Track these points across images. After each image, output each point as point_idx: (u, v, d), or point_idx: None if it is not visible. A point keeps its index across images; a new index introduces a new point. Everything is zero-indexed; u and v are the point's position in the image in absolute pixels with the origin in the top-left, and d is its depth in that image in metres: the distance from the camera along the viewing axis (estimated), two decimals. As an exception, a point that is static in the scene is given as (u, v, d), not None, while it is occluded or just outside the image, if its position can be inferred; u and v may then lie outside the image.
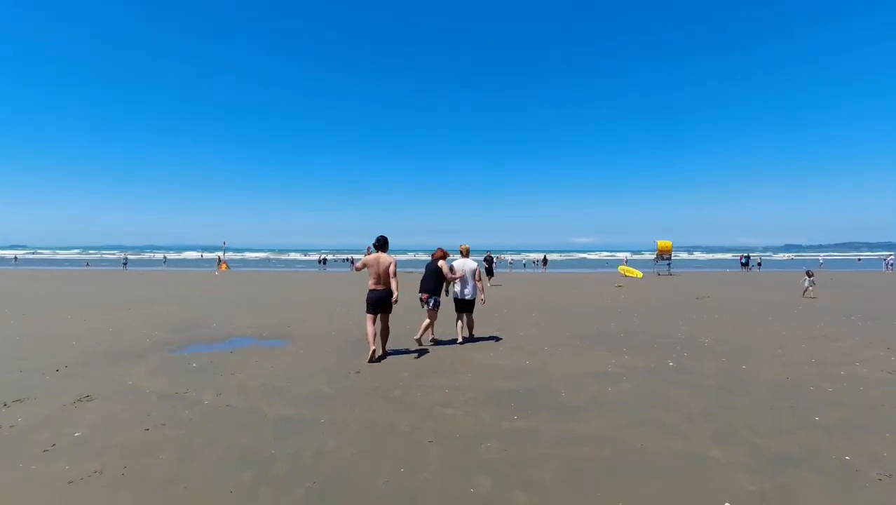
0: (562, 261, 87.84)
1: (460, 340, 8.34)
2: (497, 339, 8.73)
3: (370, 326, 6.99)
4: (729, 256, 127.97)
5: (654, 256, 36.17)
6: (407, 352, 7.72)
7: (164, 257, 77.18)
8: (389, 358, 7.28)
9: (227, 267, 44.55)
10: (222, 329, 9.70)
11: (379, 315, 7.10)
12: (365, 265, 7.04)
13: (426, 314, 8.24)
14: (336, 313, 12.12)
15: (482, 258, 23.86)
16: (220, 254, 49.82)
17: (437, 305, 8.16)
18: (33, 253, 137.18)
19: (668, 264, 35.20)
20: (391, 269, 7.00)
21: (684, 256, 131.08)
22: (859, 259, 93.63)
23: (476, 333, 8.94)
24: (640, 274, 31.36)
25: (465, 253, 8.70)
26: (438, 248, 8.38)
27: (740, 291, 19.41)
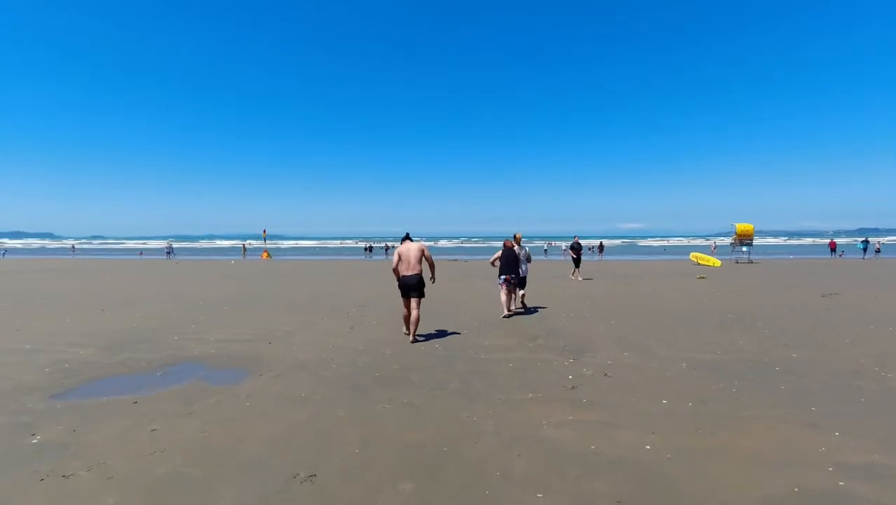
0: (616, 247, 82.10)
1: (513, 308, 9.87)
2: (574, 378, 5.46)
3: (405, 308, 7.48)
4: (805, 241, 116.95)
5: (731, 241, 31.38)
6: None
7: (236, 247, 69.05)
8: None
9: (269, 255, 44.61)
10: (179, 345, 6.99)
11: (412, 298, 7.33)
12: (399, 257, 7.37)
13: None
14: (346, 319, 9.22)
15: (568, 245, 19.97)
16: (245, 243, 51.20)
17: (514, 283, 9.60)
18: (102, 242, 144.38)
19: (748, 251, 30.41)
20: (424, 253, 7.43)
21: (702, 241, 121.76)
22: None
23: (540, 356, 5.80)
24: (718, 262, 26.93)
25: (518, 241, 10.07)
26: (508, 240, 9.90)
27: (871, 286, 15.04)
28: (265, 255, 44.45)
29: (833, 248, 39.79)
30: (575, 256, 17.97)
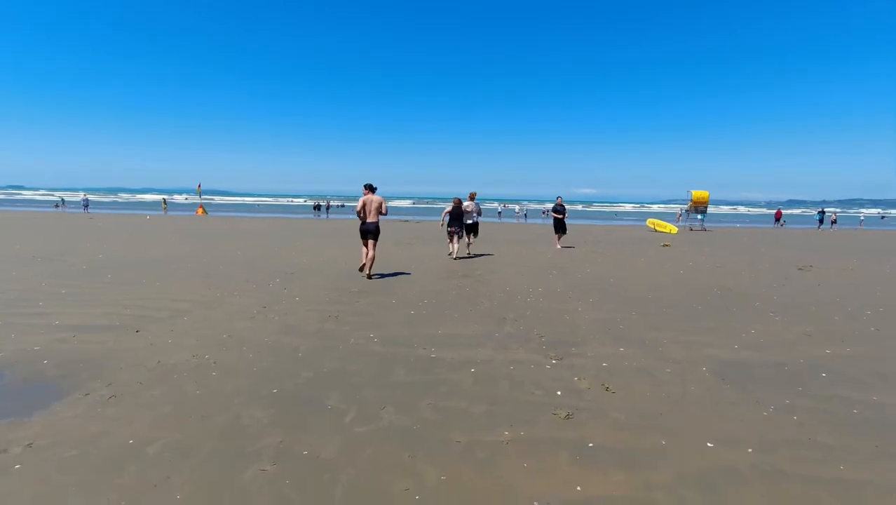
0: (575, 211, 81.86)
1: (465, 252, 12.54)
2: (566, 396, 3.80)
3: (364, 250, 8.75)
4: (740, 209, 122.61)
5: (686, 208, 31.04)
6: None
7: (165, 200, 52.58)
8: None
9: (205, 211, 41.77)
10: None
11: (370, 241, 8.63)
12: (364, 205, 8.58)
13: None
14: (264, 292, 7.19)
15: (548, 208, 16.88)
16: (165, 197, 47.83)
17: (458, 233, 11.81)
18: (13, 193, 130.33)
19: (703, 218, 30.21)
20: (382, 207, 8.66)
21: (657, 207, 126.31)
22: (882, 216, 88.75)
23: (512, 355, 4.07)
24: (674, 229, 26.44)
25: (472, 197, 12.55)
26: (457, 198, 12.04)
27: (846, 258, 14.44)
28: (200, 210, 41.62)
29: (778, 217, 40.87)
30: (560, 218, 15.23)
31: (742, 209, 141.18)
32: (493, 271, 10.01)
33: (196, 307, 6.27)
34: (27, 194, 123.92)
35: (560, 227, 15.36)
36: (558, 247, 15.31)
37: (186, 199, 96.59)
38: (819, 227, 36.15)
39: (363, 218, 8.60)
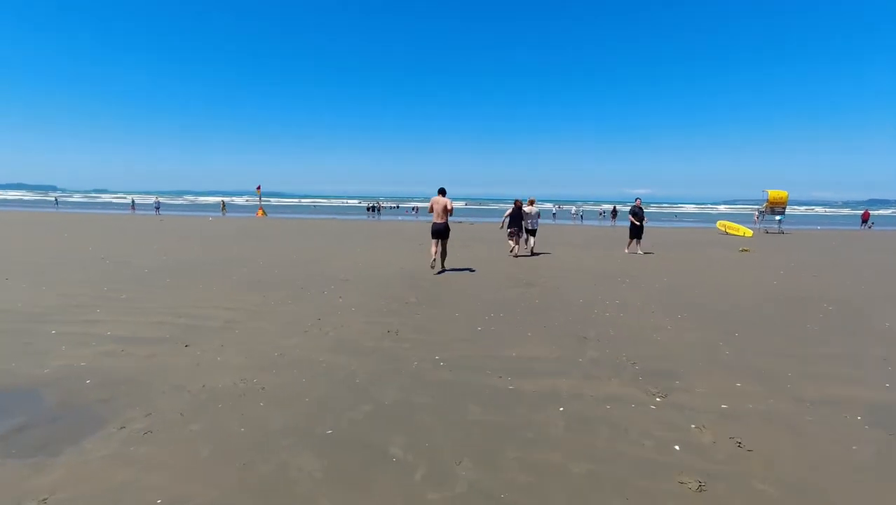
0: (626, 212, 78.55)
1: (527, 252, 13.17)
2: (688, 453, 3.01)
3: (433, 248, 9.62)
4: (818, 210, 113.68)
5: (761, 209, 28.56)
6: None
7: (223, 203, 56.32)
8: None
9: (265, 213, 43.55)
10: (43, 347, 4.56)
11: (440, 241, 9.55)
12: (432, 206, 9.49)
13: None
14: (318, 301, 6.77)
15: (628, 209, 14.88)
16: (224, 199, 49.89)
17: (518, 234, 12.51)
18: (94, 197, 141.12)
19: (780, 220, 27.71)
20: (448, 207, 9.46)
21: (723, 208, 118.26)
22: None
23: (605, 388, 3.33)
24: (749, 231, 24.31)
25: (531, 203, 13.15)
26: (518, 200, 12.71)
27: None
28: (260, 212, 43.04)
29: (865, 218, 37.08)
30: (638, 224, 13.79)
31: (819, 209, 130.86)
32: (559, 279, 9.19)
33: (248, 317, 5.91)
34: (106, 197, 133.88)
35: (636, 233, 13.95)
36: (636, 251, 14.02)
37: (247, 200, 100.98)
38: None
39: (434, 219, 9.52)
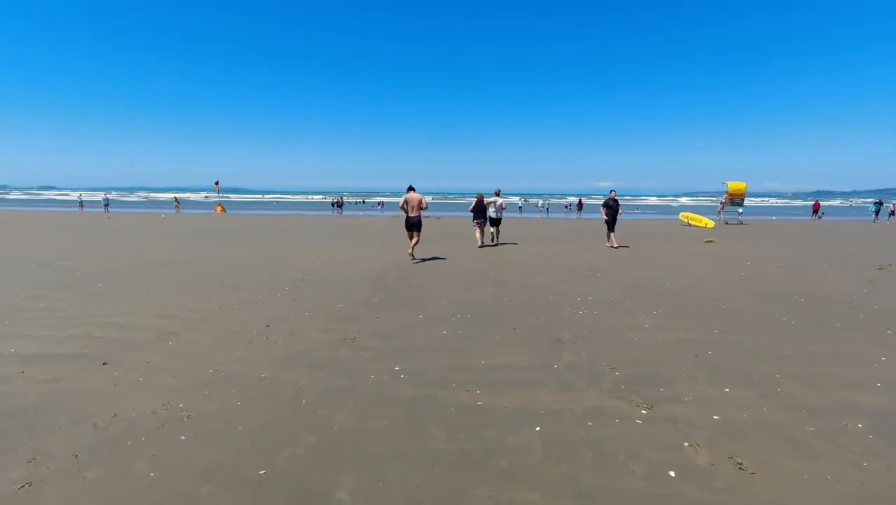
0: (594, 205, 79.52)
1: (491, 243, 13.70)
2: (687, 480, 2.60)
3: (409, 239, 10.39)
4: (772, 201, 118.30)
5: (721, 200, 29.24)
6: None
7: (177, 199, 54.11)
8: None
9: (224, 210, 41.17)
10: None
11: (414, 233, 10.30)
12: (406, 201, 10.19)
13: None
14: (269, 305, 6.12)
15: (602, 201, 14.21)
16: (176, 196, 48.39)
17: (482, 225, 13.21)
18: (43, 193, 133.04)
19: (742, 211, 28.46)
20: (422, 203, 10.21)
21: (685, 200, 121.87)
22: None
23: (585, 401, 2.88)
24: (710, 223, 24.80)
25: (497, 194, 13.91)
26: (480, 194, 13.50)
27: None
28: (219, 209, 41.02)
29: (816, 209, 38.66)
30: (608, 219, 13.51)
31: (772, 200, 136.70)
32: (528, 275, 8.82)
33: (187, 327, 5.24)
34: (50, 194, 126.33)
35: (611, 225, 13.56)
36: (613, 245, 13.50)
37: (206, 197, 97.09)
38: (875, 220, 33.04)
39: (407, 213, 10.21)
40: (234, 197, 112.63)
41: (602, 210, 13.79)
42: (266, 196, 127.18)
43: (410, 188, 10.28)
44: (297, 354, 4.41)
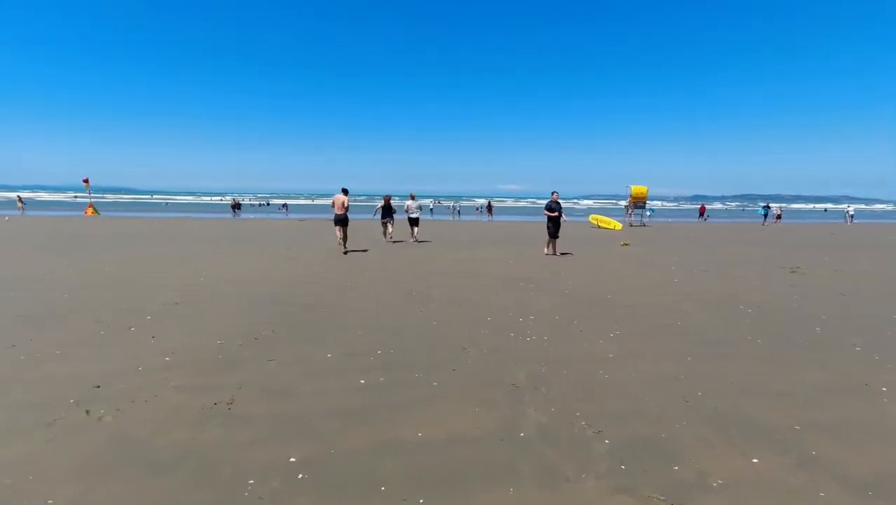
0: (503, 207, 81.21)
1: (412, 240, 15.09)
2: None
3: (338, 233, 12.26)
4: (658, 204, 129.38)
5: (627, 203, 30.57)
6: None
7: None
8: None
9: (96, 211, 36.13)
10: None
11: (342, 228, 12.15)
12: (334, 202, 12.16)
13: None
14: (115, 349, 4.30)
15: (546, 203, 12.66)
16: (19, 195, 42.37)
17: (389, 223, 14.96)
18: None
19: (650, 214, 29.92)
20: (346, 203, 12.17)
21: (590, 203, 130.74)
22: (825, 209, 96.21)
23: None
24: (618, 225, 25.64)
25: (412, 197, 15.45)
26: (387, 195, 15.04)
27: (819, 257, 13.65)
28: (90, 210, 35.59)
29: (702, 212, 42.17)
30: (551, 225, 12.26)
31: (657, 203, 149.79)
32: (456, 287, 7.70)
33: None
34: None
35: (554, 231, 12.33)
36: (558, 253, 12.61)
37: (76, 197, 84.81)
38: (764, 223, 36.19)
39: (335, 211, 12.16)
40: (109, 197, 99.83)
41: (546, 213, 12.42)
42: (155, 196, 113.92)
43: (343, 190, 12.51)
44: (131, 440, 2.82)
